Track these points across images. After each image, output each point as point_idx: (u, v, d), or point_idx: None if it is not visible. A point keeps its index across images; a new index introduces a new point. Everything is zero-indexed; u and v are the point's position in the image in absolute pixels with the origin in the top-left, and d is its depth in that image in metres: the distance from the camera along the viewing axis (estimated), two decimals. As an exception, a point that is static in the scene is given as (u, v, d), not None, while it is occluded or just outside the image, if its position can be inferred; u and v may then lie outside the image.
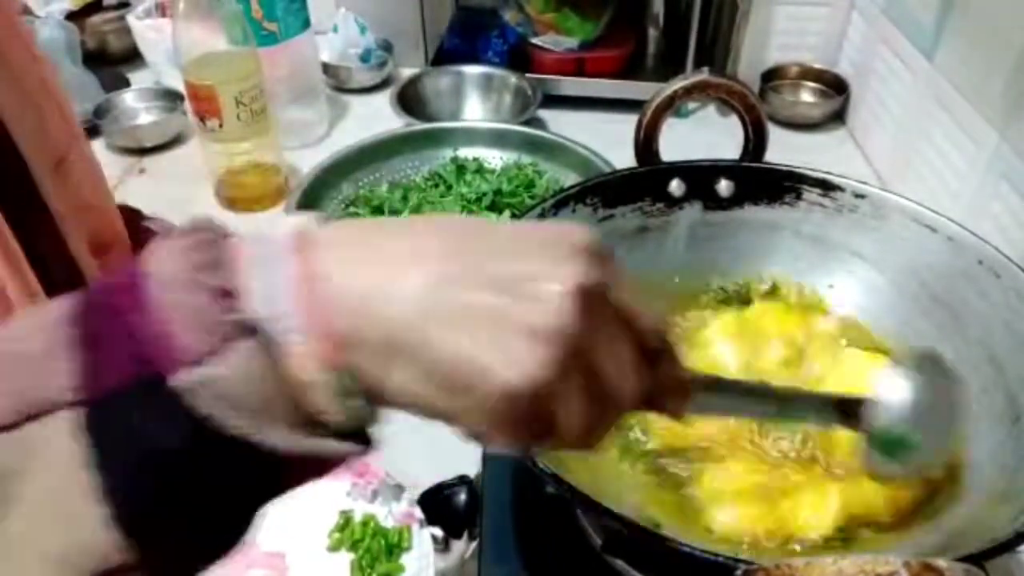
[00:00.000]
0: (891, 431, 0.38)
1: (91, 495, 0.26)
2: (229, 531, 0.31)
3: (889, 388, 0.39)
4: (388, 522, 0.68)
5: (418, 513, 0.67)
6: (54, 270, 0.51)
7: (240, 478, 0.29)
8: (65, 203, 0.52)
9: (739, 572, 0.41)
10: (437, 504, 0.65)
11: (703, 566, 0.43)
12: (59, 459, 0.26)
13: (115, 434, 0.27)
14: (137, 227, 0.64)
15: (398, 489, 0.69)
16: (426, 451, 0.70)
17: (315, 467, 0.31)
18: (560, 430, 0.31)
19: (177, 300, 0.27)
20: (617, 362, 0.32)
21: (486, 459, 0.64)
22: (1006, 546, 0.43)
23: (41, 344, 0.27)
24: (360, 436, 0.31)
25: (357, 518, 0.68)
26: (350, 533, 0.67)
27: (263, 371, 0.28)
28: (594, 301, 0.30)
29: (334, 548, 0.66)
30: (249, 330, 0.27)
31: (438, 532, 0.67)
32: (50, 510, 0.27)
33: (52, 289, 0.49)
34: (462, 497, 0.65)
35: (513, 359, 0.28)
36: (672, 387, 0.36)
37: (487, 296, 0.29)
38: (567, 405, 0.31)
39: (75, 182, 0.54)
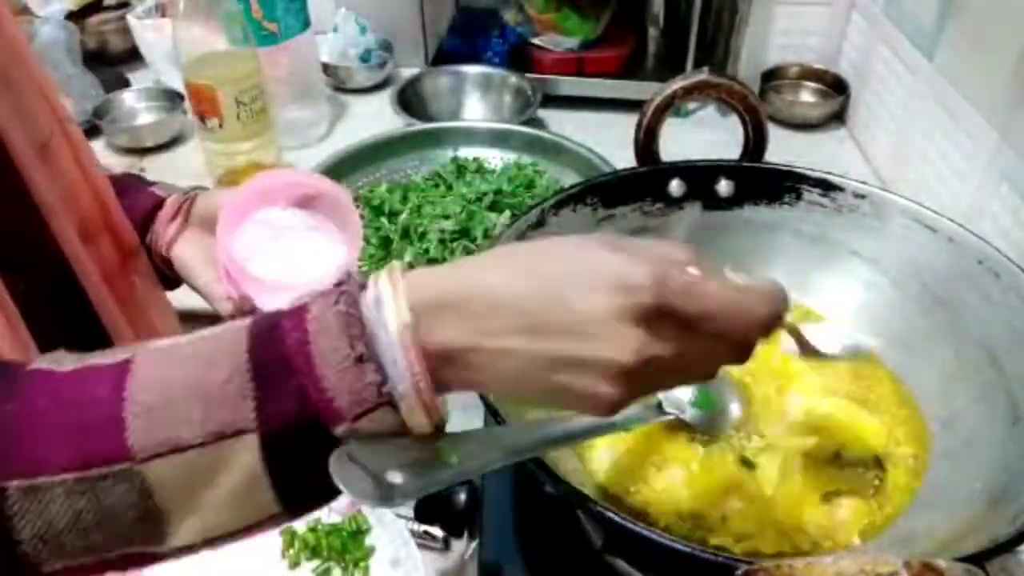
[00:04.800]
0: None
1: (268, 490, 0.36)
2: None
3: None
4: (333, 517, 0.67)
5: None
6: (40, 269, 0.50)
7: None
8: (51, 192, 0.51)
9: (739, 572, 0.41)
10: (437, 504, 0.65)
11: (703, 566, 0.43)
12: (244, 467, 0.35)
13: (286, 455, 0.35)
14: (139, 193, 0.63)
15: None
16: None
17: None
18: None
19: (334, 371, 0.35)
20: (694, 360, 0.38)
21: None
22: (1006, 546, 0.43)
23: (226, 372, 0.35)
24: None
25: (300, 529, 0.67)
26: (303, 544, 0.66)
27: (391, 425, 0.36)
28: (652, 328, 0.35)
29: (294, 564, 0.66)
30: (382, 394, 0.35)
31: (438, 532, 0.67)
32: (232, 502, 0.36)
33: (37, 281, 0.49)
34: (462, 497, 0.65)
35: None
36: None
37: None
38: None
39: (61, 167, 0.52)
